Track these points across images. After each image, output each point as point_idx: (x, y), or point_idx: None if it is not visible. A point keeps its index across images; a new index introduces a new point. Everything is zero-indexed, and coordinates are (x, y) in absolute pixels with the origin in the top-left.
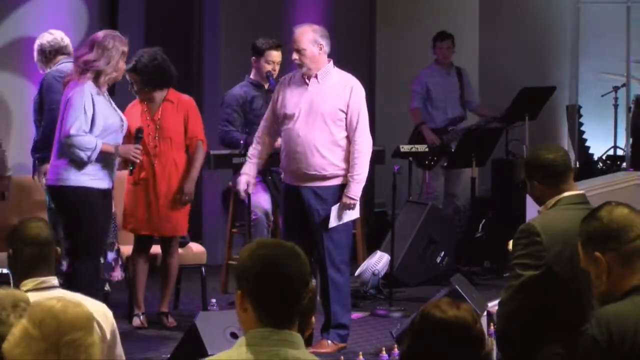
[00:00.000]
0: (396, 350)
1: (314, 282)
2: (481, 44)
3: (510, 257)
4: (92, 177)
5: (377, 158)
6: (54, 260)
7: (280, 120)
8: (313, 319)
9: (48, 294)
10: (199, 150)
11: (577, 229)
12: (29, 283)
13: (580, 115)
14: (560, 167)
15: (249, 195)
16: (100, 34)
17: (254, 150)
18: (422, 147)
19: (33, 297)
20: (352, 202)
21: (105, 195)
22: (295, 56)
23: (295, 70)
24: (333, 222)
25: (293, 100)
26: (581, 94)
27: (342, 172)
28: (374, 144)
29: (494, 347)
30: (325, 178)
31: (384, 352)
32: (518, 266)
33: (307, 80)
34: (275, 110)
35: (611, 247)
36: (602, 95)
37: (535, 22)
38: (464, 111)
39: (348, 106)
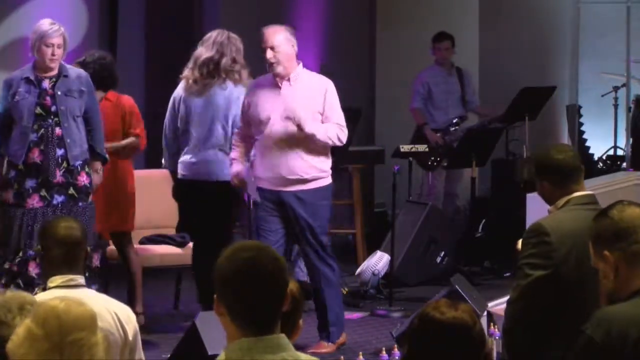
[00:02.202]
0: (396, 351)
1: (310, 285)
2: (481, 44)
3: (519, 257)
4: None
5: (377, 158)
6: (83, 260)
7: (254, 126)
8: (300, 322)
9: (74, 292)
10: (130, 138)
11: (586, 229)
12: (57, 279)
13: (580, 115)
14: (570, 168)
15: (249, 196)
16: (220, 37)
17: (236, 153)
18: (422, 147)
19: (60, 293)
20: (301, 121)
21: None
22: (269, 54)
23: (262, 76)
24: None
25: (267, 104)
26: (581, 94)
27: (322, 174)
28: (373, 144)
29: (494, 347)
30: (306, 181)
31: (384, 352)
32: (527, 266)
33: (279, 84)
34: (247, 116)
35: (619, 247)
36: (602, 95)
37: (535, 22)
38: (465, 111)
39: (324, 108)
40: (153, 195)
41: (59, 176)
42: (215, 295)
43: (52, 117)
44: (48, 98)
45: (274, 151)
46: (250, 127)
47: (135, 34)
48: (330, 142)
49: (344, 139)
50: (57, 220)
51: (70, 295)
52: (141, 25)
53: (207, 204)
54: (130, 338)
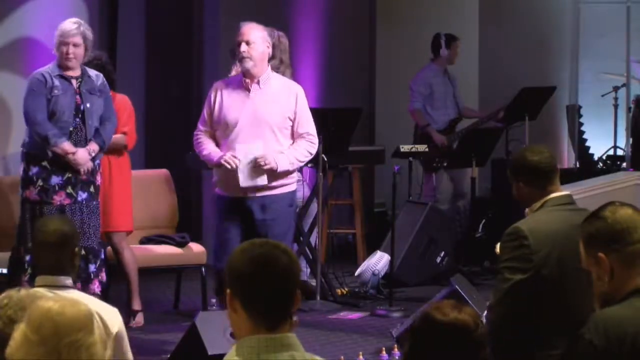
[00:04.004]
0: (396, 351)
1: (311, 284)
2: (481, 44)
3: (498, 261)
4: None
5: (377, 158)
6: (71, 260)
7: (220, 129)
8: (295, 318)
9: (58, 293)
10: (117, 135)
11: (566, 229)
12: (42, 280)
13: (580, 115)
14: (546, 169)
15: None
16: (271, 38)
17: (211, 146)
18: (422, 147)
19: (44, 292)
20: (271, 165)
21: None
22: (244, 48)
23: (229, 77)
24: (243, 182)
25: (235, 108)
26: (581, 94)
27: (288, 181)
28: (374, 144)
29: None
30: (272, 188)
31: (384, 352)
32: (506, 270)
33: (249, 86)
34: (213, 118)
35: (615, 248)
36: (602, 95)
37: (536, 22)
38: (458, 111)
39: (295, 114)
40: (153, 195)
41: (82, 173)
42: (228, 292)
43: (80, 115)
44: (78, 96)
45: (240, 157)
46: (213, 129)
47: (135, 34)
48: (303, 164)
49: (314, 150)
50: (45, 224)
51: (50, 295)
52: (141, 25)
53: None
54: (113, 338)
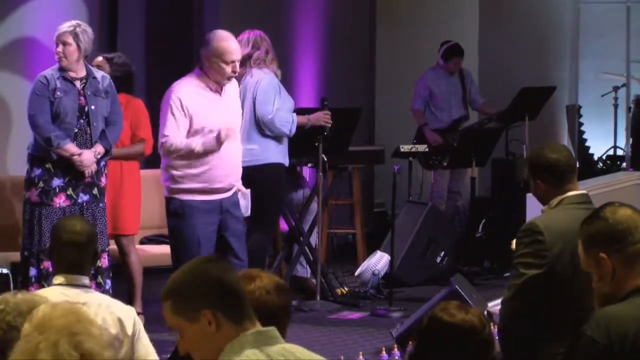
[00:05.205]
0: (396, 351)
1: (312, 282)
2: (481, 44)
3: (513, 256)
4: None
5: (377, 158)
6: (90, 261)
7: (199, 135)
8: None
9: (75, 291)
10: (136, 144)
11: (576, 229)
12: (61, 278)
13: (580, 115)
14: (564, 167)
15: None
16: (252, 35)
17: (183, 139)
18: (422, 147)
19: (62, 290)
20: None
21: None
22: (238, 67)
23: (188, 81)
24: (248, 210)
25: (211, 114)
26: (581, 94)
27: None
28: (374, 144)
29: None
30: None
31: (384, 352)
32: (521, 265)
33: (219, 90)
34: (191, 124)
35: (617, 248)
36: (602, 95)
37: (535, 22)
38: (467, 111)
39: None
40: (153, 195)
41: (87, 175)
42: (207, 311)
43: (84, 117)
44: (82, 98)
45: (227, 161)
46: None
47: (135, 34)
48: None
49: None
50: (65, 223)
51: (70, 293)
52: (141, 25)
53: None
54: (130, 332)
